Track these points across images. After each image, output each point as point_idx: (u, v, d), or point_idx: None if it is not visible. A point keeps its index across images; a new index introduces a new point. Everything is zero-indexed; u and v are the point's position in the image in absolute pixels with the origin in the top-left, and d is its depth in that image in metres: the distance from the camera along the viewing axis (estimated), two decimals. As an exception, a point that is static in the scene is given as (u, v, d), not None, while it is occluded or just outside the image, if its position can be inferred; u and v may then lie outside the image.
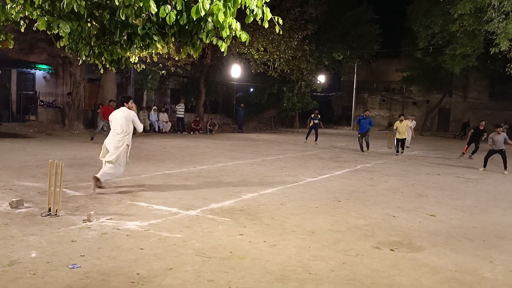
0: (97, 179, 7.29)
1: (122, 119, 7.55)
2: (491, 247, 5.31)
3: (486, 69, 30.92)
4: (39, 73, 22.30)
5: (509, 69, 19.50)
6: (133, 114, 7.69)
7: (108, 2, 4.60)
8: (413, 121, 20.82)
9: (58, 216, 5.64)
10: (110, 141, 7.58)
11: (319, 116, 20.63)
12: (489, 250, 5.17)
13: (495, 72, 29.80)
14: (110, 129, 7.88)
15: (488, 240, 5.59)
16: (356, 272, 4.26)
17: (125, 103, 7.79)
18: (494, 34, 17.19)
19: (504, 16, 16.48)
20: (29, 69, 21.69)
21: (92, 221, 5.47)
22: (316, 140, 19.98)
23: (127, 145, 7.61)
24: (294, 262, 4.45)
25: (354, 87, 39.77)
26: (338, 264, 4.46)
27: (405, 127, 16.16)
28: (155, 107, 23.51)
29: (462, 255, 4.95)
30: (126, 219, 5.71)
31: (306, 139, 20.57)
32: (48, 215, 5.63)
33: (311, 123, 20.19)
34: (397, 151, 16.49)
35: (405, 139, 16.58)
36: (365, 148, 16.94)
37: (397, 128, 16.24)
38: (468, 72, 31.97)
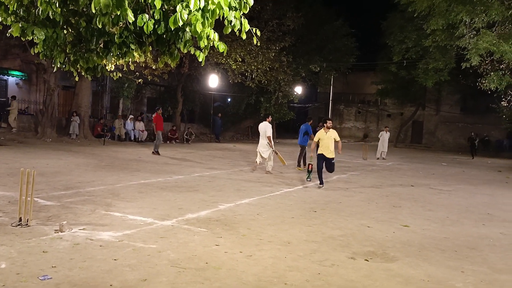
0: (269, 172, 12.48)
1: (265, 129, 12.41)
2: (463, 257, 5.42)
3: (458, 83, 31.76)
4: (12, 79, 21.82)
5: (480, 84, 20.07)
6: (269, 125, 12.59)
7: (84, 9, 4.55)
8: (388, 132, 20.92)
9: (29, 226, 5.50)
10: (261, 145, 12.45)
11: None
12: (461, 261, 5.27)
13: (466, 86, 30.63)
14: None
15: (459, 251, 5.70)
16: (331, 283, 4.28)
17: (267, 119, 12.78)
18: (466, 50, 17.67)
19: (475, 32, 16.98)
20: (1, 75, 21.19)
21: (64, 231, 5.35)
22: None
23: (267, 144, 12.37)
24: (270, 273, 4.44)
25: (331, 99, 40.28)
26: (313, 274, 4.48)
27: (331, 140, 10.38)
28: (131, 116, 23.28)
29: (435, 265, 5.03)
30: (99, 229, 5.61)
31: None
32: (18, 225, 5.49)
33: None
34: (321, 183, 10.38)
35: (332, 159, 10.40)
36: (302, 163, 14.58)
37: (318, 140, 10.55)
38: (440, 86, 32.78)
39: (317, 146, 10.74)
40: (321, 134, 10.55)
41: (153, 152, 16.14)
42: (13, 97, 20.66)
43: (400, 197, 9.75)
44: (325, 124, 10.63)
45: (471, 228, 7.12)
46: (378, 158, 20.24)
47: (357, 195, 9.76)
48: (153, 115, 17.45)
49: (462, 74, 27.19)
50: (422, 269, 4.87)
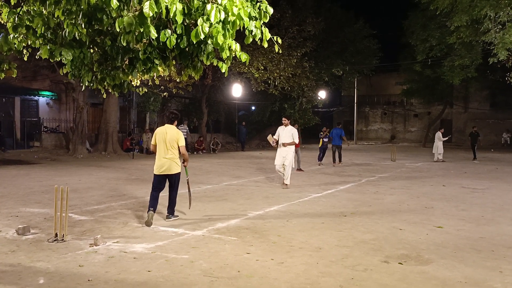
0: (286, 185, 10.88)
1: (290, 133, 10.91)
2: (500, 257, 5.28)
3: (486, 79, 31.06)
4: (42, 99, 22.55)
5: (509, 78, 19.58)
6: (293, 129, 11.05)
7: (109, 28, 4.68)
8: (440, 132, 19.69)
9: (64, 241, 5.65)
10: (280, 153, 10.92)
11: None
12: (498, 261, 5.13)
13: (495, 81, 29.94)
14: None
15: (496, 251, 5.55)
16: None
17: (287, 121, 11.10)
18: (492, 45, 17.31)
19: (500, 26, 16.62)
20: (32, 96, 21.94)
21: (98, 245, 5.47)
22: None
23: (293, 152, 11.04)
24: (303, 280, 4.43)
25: (355, 102, 39.93)
26: (346, 280, 4.44)
27: (171, 150, 6.93)
28: None
29: (471, 266, 4.91)
30: (132, 242, 5.71)
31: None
32: (54, 240, 5.64)
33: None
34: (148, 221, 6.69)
35: (176, 176, 7.02)
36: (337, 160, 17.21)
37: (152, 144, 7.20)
38: (468, 83, 32.13)
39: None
40: (161, 133, 7.03)
41: (297, 169, 14.84)
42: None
43: (431, 198, 9.56)
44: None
45: (508, 227, 6.92)
46: (437, 161, 19.58)
47: (387, 197, 9.63)
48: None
49: (490, 70, 26.59)
50: (459, 270, 4.76)
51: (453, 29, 18.73)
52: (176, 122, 7.28)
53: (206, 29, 3.82)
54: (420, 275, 4.61)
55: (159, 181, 6.97)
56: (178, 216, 7.27)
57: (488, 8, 15.84)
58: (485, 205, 8.78)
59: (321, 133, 17.68)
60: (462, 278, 4.52)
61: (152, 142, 7.11)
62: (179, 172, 7.05)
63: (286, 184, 10.90)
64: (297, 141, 11.05)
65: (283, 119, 11.19)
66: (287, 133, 10.93)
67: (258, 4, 4.14)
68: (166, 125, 7.13)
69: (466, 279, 4.49)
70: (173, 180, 7.03)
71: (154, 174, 6.98)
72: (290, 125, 11.11)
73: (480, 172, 15.21)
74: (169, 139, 6.92)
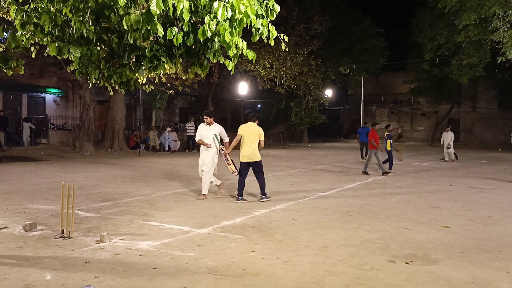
0: (204, 195, 9.12)
1: (217, 132, 9.23)
2: (508, 258, 5.24)
3: (494, 78, 30.82)
4: (50, 96, 22.67)
5: (517, 78, 19.44)
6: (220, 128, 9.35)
7: (116, 26, 4.68)
8: (448, 132, 19.60)
9: (71, 238, 5.67)
10: (201, 156, 9.37)
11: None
12: (506, 261, 5.09)
13: (503, 81, 29.72)
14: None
15: (504, 251, 5.51)
16: (371, 287, 4.22)
17: (256, 121, 9.05)
18: (500, 43, 17.17)
19: (509, 25, 16.48)
20: (39, 93, 22.07)
21: (105, 242, 5.49)
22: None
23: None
24: (308, 278, 4.41)
25: (362, 100, 39.82)
26: (352, 279, 4.42)
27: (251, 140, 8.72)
28: (169, 128, 23.58)
29: (479, 267, 4.88)
30: (138, 239, 5.73)
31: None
32: (61, 237, 5.67)
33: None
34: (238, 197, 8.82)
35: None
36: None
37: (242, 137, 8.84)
38: (476, 82, 31.91)
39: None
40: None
41: (383, 173, 13.60)
42: None
43: (438, 198, 9.51)
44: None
45: (516, 227, 6.87)
46: (452, 160, 19.50)
47: (394, 196, 9.59)
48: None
49: (498, 69, 26.37)
50: (466, 271, 4.73)
51: (461, 27, 18.60)
52: (257, 121, 8.95)
53: (213, 27, 3.82)
54: (426, 275, 4.58)
55: (244, 167, 8.77)
56: (270, 197, 8.88)
57: (496, 7, 15.71)
58: (493, 205, 8.72)
59: (388, 133, 14.94)
60: (469, 278, 4.49)
61: (239, 133, 8.77)
62: (260, 160, 8.77)
63: (204, 195, 9.02)
64: (226, 140, 9.23)
65: (205, 117, 9.16)
66: (213, 133, 9.08)
67: (265, 2, 4.13)
68: (249, 122, 8.91)
69: (473, 279, 4.46)
70: (255, 166, 8.76)
71: (241, 162, 8.74)
72: (215, 123, 9.24)
73: (487, 172, 15.10)
74: (252, 134, 8.68)
